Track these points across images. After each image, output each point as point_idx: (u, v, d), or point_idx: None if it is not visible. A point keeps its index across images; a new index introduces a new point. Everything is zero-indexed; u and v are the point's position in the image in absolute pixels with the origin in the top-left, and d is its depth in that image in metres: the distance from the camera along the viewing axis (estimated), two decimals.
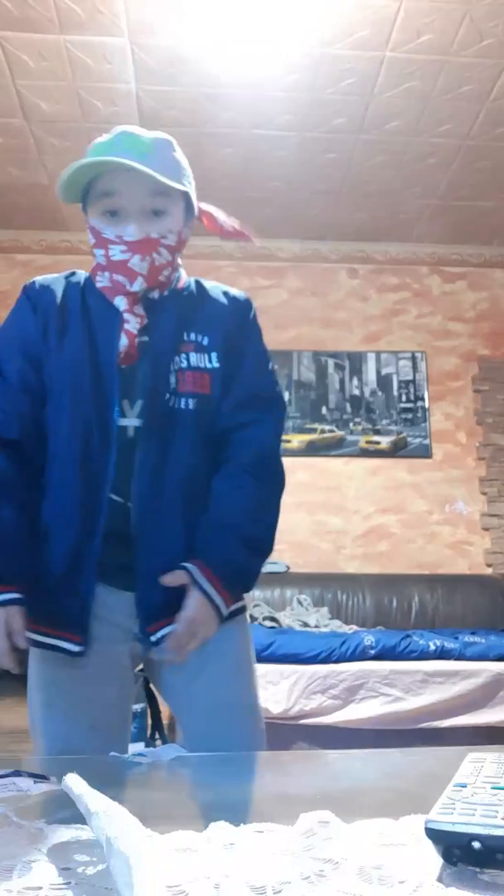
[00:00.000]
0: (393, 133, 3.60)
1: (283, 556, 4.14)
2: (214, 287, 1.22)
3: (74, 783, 0.55)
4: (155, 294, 1.15)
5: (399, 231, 4.55)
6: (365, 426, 4.50)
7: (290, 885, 0.42)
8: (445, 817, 0.46)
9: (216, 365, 1.14)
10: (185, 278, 1.22)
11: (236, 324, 1.18)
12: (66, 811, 0.55)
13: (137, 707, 3.43)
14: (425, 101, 3.37)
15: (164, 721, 3.54)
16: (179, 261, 1.20)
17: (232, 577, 1.09)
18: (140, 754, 0.81)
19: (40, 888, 0.42)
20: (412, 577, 4.12)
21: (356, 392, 4.54)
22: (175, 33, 2.97)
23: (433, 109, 3.43)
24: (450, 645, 3.28)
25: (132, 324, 1.11)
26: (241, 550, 1.09)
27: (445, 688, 3.06)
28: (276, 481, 1.16)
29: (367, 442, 4.47)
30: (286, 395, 4.46)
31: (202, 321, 1.16)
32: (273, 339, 4.83)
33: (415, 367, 4.59)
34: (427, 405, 4.53)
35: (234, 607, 1.12)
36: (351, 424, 4.49)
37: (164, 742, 3.18)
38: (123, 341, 1.10)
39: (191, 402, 1.12)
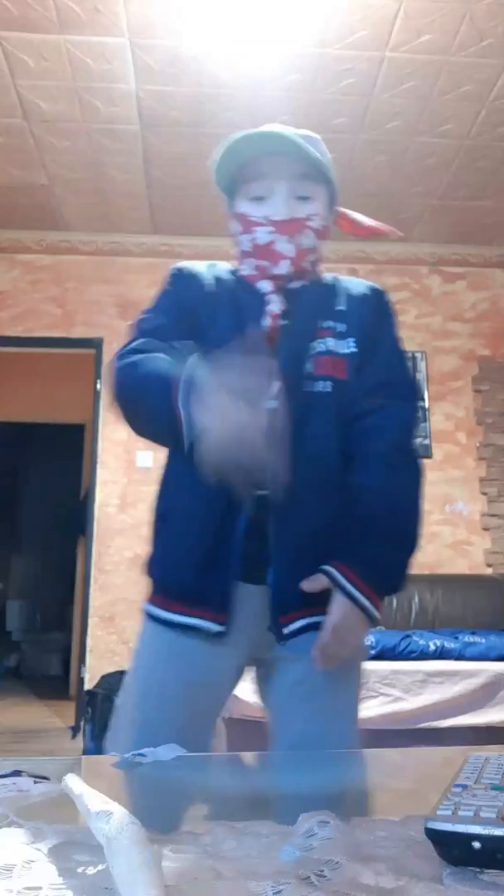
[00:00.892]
0: (393, 133, 3.60)
1: None
2: (351, 279, 1.24)
3: (74, 783, 0.55)
4: (296, 284, 1.15)
5: (399, 231, 4.55)
6: None
7: (290, 885, 0.42)
8: (445, 817, 0.46)
9: (353, 350, 1.13)
10: (323, 272, 1.23)
11: (372, 312, 1.18)
12: (66, 811, 0.55)
13: None
14: (425, 101, 3.37)
15: None
16: (321, 254, 1.20)
17: (377, 576, 1.04)
18: (140, 754, 0.81)
19: (40, 888, 0.42)
20: (412, 577, 4.10)
21: None
22: (175, 33, 2.97)
23: (433, 109, 3.43)
24: (450, 645, 3.29)
25: (275, 305, 1.11)
26: (384, 546, 1.05)
27: (445, 688, 3.06)
28: (413, 469, 1.12)
29: None
30: None
31: (340, 309, 1.17)
32: None
33: (415, 367, 4.59)
34: (427, 405, 4.53)
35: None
36: None
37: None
38: (267, 322, 1.10)
39: (328, 385, 1.10)
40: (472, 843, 0.43)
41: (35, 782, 0.67)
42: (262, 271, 1.13)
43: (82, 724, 3.83)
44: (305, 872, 0.44)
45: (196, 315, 1.13)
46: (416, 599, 3.98)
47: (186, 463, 0.97)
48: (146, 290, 4.58)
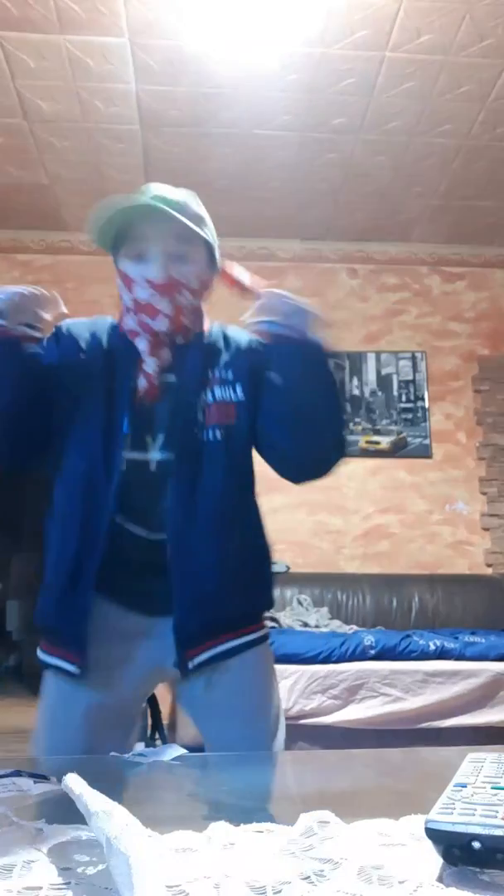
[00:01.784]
0: (393, 133, 3.60)
1: (283, 556, 4.14)
2: (238, 331, 1.28)
3: (74, 783, 0.55)
4: (180, 339, 1.21)
5: (399, 231, 4.55)
6: (365, 426, 4.50)
7: (290, 885, 0.42)
8: (445, 817, 0.46)
9: (241, 397, 1.19)
10: (208, 325, 1.28)
11: (259, 358, 1.22)
12: (66, 811, 0.55)
13: None
14: (425, 101, 3.37)
15: (164, 721, 3.54)
16: (205, 309, 1.26)
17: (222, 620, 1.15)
18: (140, 754, 0.81)
19: (40, 888, 0.42)
20: (412, 577, 4.13)
21: (356, 392, 4.54)
22: (175, 33, 2.97)
23: (433, 109, 3.43)
24: (450, 645, 3.29)
25: (150, 364, 1.17)
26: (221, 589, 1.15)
27: (445, 688, 3.06)
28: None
29: (367, 442, 4.47)
30: None
31: (226, 359, 1.23)
32: None
33: (415, 367, 4.59)
34: (427, 405, 4.53)
35: (254, 636, 1.19)
36: (351, 424, 4.49)
37: (164, 742, 3.18)
38: (142, 382, 1.16)
39: (218, 433, 1.17)
40: (472, 843, 0.43)
41: (35, 782, 0.67)
42: (142, 327, 1.18)
43: None
44: (305, 872, 0.44)
45: (70, 371, 1.19)
46: (416, 599, 3.98)
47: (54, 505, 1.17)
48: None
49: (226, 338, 1.26)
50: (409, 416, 4.52)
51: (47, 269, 4.60)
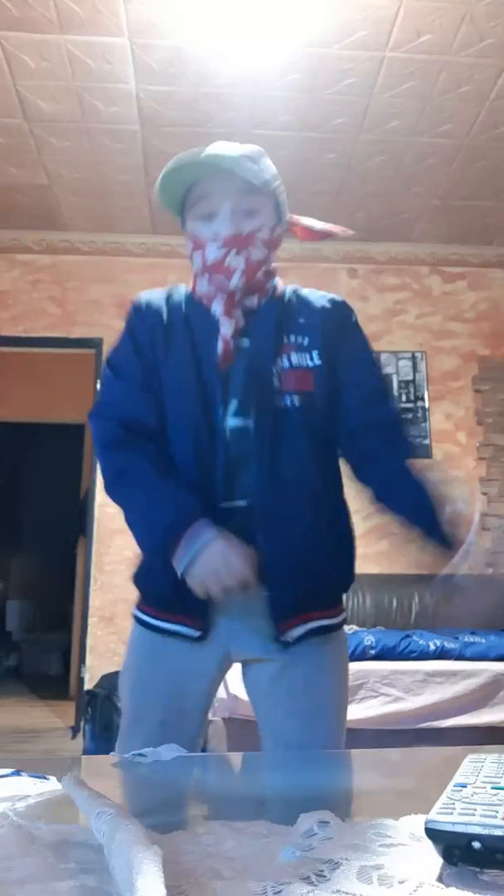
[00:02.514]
0: (393, 133, 3.60)
1: None
2: (312, 291, 1.27)
3: (74, 783, 0.55)
4: (254, 301, 1.20)
5: (399, 231, 4.55)
6: None
7: (290, 885, 0.42)
8: (445, 817, 0.46)
9: (318, 363, 1.18)
10: (281, 286, 1.26)
11: (335, 323, 1.22)
12: (66, 811, 0.55)
13: None
14: (425, 101, 3.37)
15: None
16: (275, 267, 1.25)
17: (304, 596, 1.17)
18: (140, 754, 0.81)
19: (40, 888, 0.42)
20: (412, 577, 4.12)
21: None
22: (175, 33, 2.97)
23: (433, 109, 3.43)
24: (450, 645, 3.29)
25: (226, 327, 1.16)
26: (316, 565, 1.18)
27: (445, 688, 3.06)
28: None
29: None
30: None
31: (302, 323, 1.20)
32: None
33: (415, 367, 4.59)
34: (427, 405, 4.53)
35: (340, 619, 1.20)
36: None
37: None
38: (219, 346, 1.15)
39: (296, 400, 1.16)
40: (472, 843, 0.43)
41: (35, 782, 0.67)
42: (215, 287, 1.17)
43: (82, 724, 3.83)
44: (305, 872, 0.44)
45: (154, 349, 1.20)
46: (416, 599, 3.98)
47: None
48: (146, 290, 4.57)
49: (300, 300, 1.24)
50: (409, 416, 4.52)
51: (47, 269, 4.60)
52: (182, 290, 1.26)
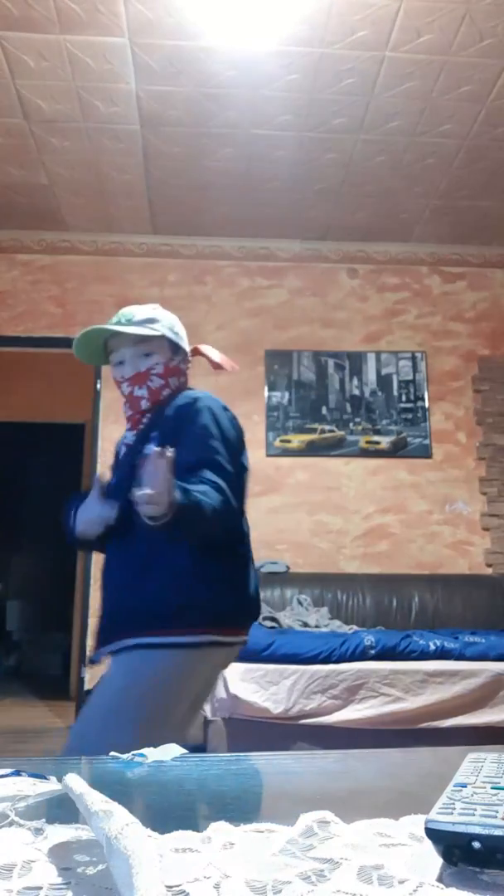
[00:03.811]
0: (393, 133, 3.60)
1: (283, 556, 4.15)
2: (180, 396, 1.63)
3: (74, 783, 0.55)
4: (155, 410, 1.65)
5: (399, 231, 4.55)
6: (365, 426, 4.50)
7: (290, 885, 0.42)
8: (445, 817, 0.46)
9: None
10: (186, 394, 1.65)
11: (176, 417, 1.57)
12: (66, 811, 0.55)
13: None
14: (425, 101, 3.37)
15: None
16: (182, 381, 1.69)
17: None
18: (140, 754, 0.81)
19: (40, 888, 0.42)
20: (412, 577, 4.12)
21: (356, 392, 4.54)
22: (175, 33, 2.97)
23: (433, 109, 3.43)
24: (450, 645, 3.29)
25: (129, 437, 1.66)
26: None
27: (445, 688, 3.06)
28: (207, 523, 1.45)
29: (367, 442, 4.47)
30: (286, 396, 4.47)
31: (161, 422, 1.59)
32: (273, 339, 4.82)
33: (415, 367, 4.59)
34: (427, 405, 4.53)
35: (152, 640, 1.46)
36: (351, 424, 4.49)
37: None
38: (123, 450, 1.70)
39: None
40: (472, 843, 0.43)
41: (35, 782, 0.67)
42: (130, 408, 1.65)
43: None
44: (305, 872, 0.44)
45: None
46: (416, 599, 3.98)
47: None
48: (146, 289, 4.58)
49: (172, 404, 1.61)
50: (409, 416, 4.52)
51: (47, 269, 4.60)
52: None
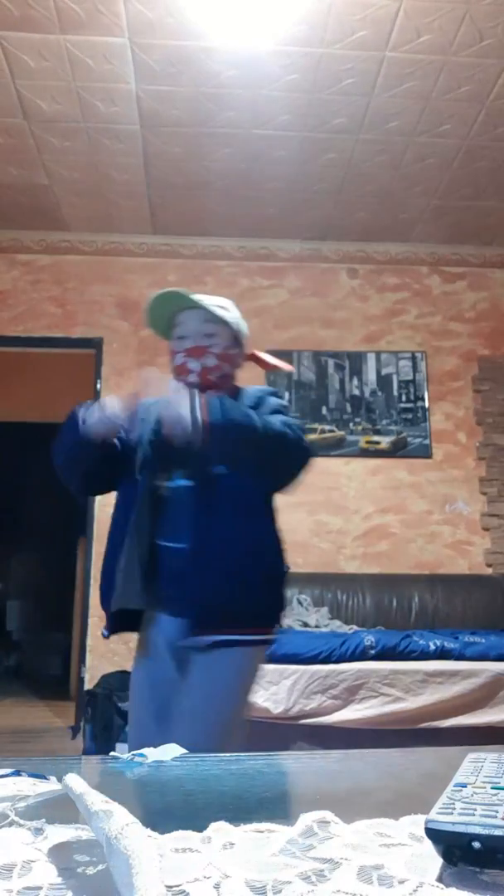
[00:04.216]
0: (393, 133, 3.60)
1: None
2: (251, 388, 1.69)
3: (74, 783, 0.55)
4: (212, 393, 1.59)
5: (399, 231, 4.55)
6: (365, 426, 4.50)
7: (290, 885, 0.42)
8: (445, 817, 0.46)
9: None
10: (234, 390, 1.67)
11: (257, 402, 1.61)
12: (66, 811, 0.55)
13: None
14: (425, 101, 3.37)
15: None
16: (234, 375, 1.69)
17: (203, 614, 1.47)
18: (140, 754, 0.81)
19: (40, 888, 0.42)
20: (412, 577, 4.12)
21: (356, 392, 4.54)
22: (175, 33, 2.97)
23: (433, 109, 3.43)
24: (450, 645, 3.29)
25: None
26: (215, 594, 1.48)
27: (445, 688, 3.06)
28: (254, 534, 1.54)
29: (367, 442, 4.47)
30: (286, 396, 4.46)
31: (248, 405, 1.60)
32: (273, 339, 4.81)
33: (415, 367, 4.59)
34: (427, 405, 4.53)
35: (243, 637, 1.46)
36: (351, 424, 4.49)
37: None
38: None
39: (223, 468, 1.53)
40: (472, 843, 0.43)
41: (35, 782, 0.67)
42: (179, 384, 1.59)
43: (82, 724, 3.83)
44: (305, 872, 0.44)
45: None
46: (416, 599, 3.98)
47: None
48: (146, 289, 4.57)
49: (245, 393, 1.65)
50: (409, 416, 4.52)
51: (47, 269, 4.60)
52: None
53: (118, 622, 1.56)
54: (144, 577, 1.48)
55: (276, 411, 1.59)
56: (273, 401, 1.64)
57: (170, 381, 1.54)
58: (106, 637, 1.57)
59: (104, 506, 4.27)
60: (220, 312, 1.62)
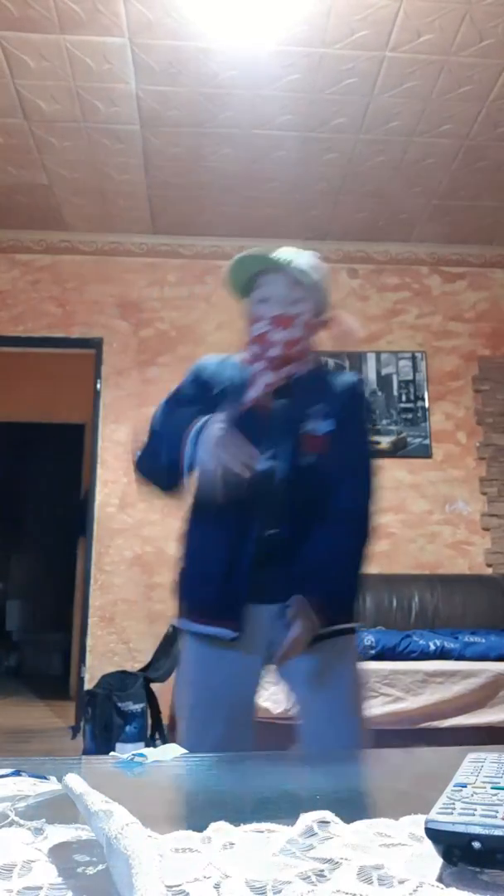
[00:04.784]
0: (393, 133, 3.60)
1: None
2: (337, 372, 1.59)
3: (74, 783, 0.55)
4: (294, 373, 1.45)
5: (399, 231, 4.55)
6: None
7: (290, 885, 0.42)
8: (445, 817, 0.46)
9: (332, 428, 1.44)
10: (317, 363, 1.54)
11: (349, 398, 1.50)
12: (66, 811, 0.55)
13: (137, 707, 3.43)
14: (425, 101, 3.37)
15: (164, 721, 3.54)
16: (314, 350, 1.52)
17: (325, 606, 1.38)
18: (140, 754, 0.81)
19: (40, 888, 0.42)
20: (412, 577, 4.12)
21: None
22: (175, 33, 2.97)
23: (433, 109, 3.43)
24: (450, 645, 3.29)
25: (264, 379, 1.42)
26: (330, 586, 1.41)
27: (445, 688, 3.06)
28: (362, 533, 1.46)
29: None
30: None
31: (326, 395, 1.47)
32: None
33: (415, 367, 4.59)
34: (427, 405, 4.53)
35: (339, 627, 1.42)
36: None
37: (164, 742, 3.19)
38: (250, 395, 1.41)
39: (312, 458, 1.42)
40: (472, 843, 0.43)
41: (35, 782, 0.67)
42: (259, 354, 1.43)
43: (82, 724, 3.83)
44: (305, 872, 0.44)
45: (202, 405, 1.45)
46: (416, 599, 3.98)
47: (201, 509, 1.45)
48: (146, 289, 4.58)
49: (330, 378, 1.53)
50: (409, 416, 4.52)
51: (47, 269, 4.60)
52: (237, 358, 1.52)
53: (212, 617, 1.41)
54: (264, 569, 1.39)
55: (367, 430, 1.54)
56: (366, 404, 1.55)
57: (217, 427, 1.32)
58: (233, 639, 1.38)
59: (103, 506, 4.27)
60: (311, 277, 1.45)
